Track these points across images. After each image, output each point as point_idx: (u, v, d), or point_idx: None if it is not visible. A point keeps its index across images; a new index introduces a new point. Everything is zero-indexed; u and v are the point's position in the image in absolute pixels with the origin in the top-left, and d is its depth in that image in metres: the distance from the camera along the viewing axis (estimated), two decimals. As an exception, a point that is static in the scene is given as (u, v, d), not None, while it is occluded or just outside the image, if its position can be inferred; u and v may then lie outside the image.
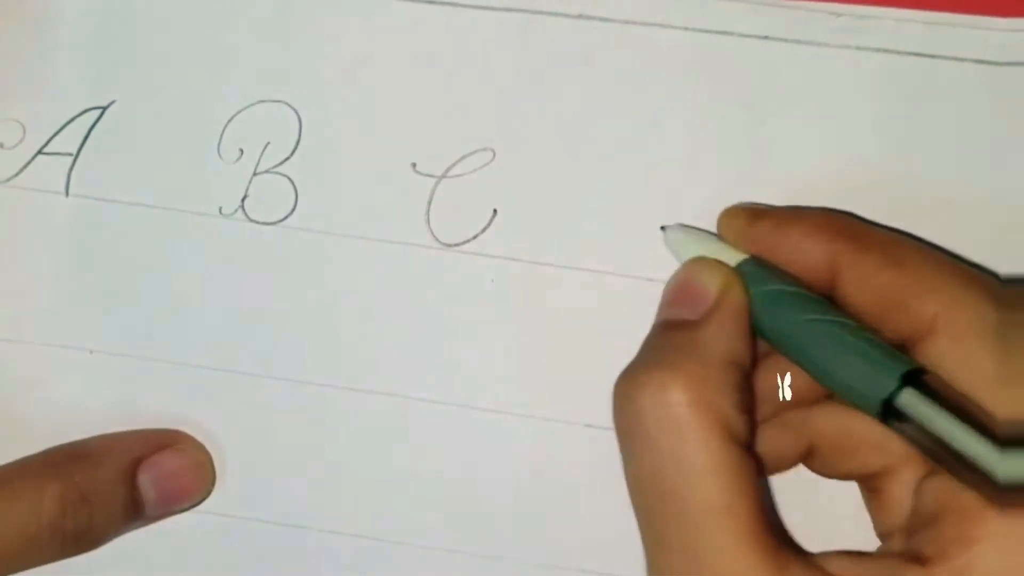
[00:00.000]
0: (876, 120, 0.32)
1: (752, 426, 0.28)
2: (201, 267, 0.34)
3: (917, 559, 0.26)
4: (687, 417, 0.26)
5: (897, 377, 0.26)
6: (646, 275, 0.33)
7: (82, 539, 0.32)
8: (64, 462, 0.32)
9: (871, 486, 0.30)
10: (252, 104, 0.34)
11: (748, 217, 0.31)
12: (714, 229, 0.32)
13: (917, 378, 0.26)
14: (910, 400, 0.26)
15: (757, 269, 0.29)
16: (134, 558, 0.34)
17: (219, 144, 0.34)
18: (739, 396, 0.27)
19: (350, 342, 0.34)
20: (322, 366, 0.34)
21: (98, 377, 0.34)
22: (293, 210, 0.34)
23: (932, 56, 0.32)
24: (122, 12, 0.34)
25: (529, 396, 0.33)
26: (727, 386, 0.27)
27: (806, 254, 0.29)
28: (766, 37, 0.32)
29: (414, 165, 0.33)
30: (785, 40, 0.32)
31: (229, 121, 0.34)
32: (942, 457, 0.26)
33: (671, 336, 0.29)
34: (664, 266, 0.32)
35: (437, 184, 0.33)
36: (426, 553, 0.34)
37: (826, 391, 0.29)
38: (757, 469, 0.27)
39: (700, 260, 0.30)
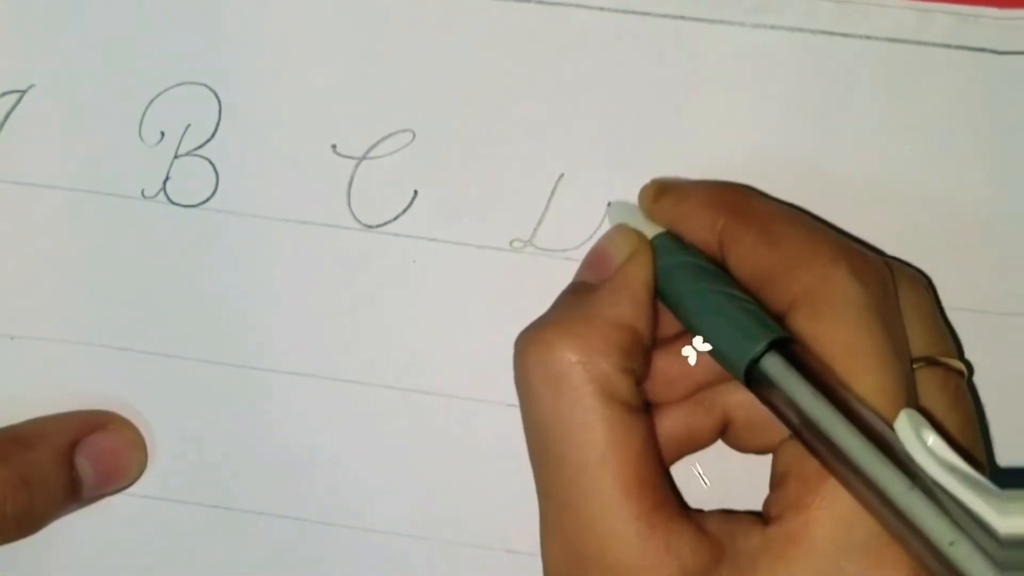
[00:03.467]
0: (791, 98, 0.32)
1: (638, 388, 0.29)
2: (123, 250, 0.34)
3: (765, 519, 0.27)
4: (566, 373, 0.28)
5: (764, 343, 0.27)
6: (565, 254, 0.33)
7: (23, 523, 0.32)
8: (1, 446, 0.32)
9: None
10: (172, 87, 0.34)
11: (654, 192, 0.31)
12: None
13: (784, 346, 0.27)
14: (773, 366, 0.27)
15: (670, 242, 0.30)
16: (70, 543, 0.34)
17: (140, 127, 0.34)
18: (623, 358, 0.28)
19: (271, 324, 0.34)
20: (245, 347, 0.34)
21: (20, 363, 0.34)
22: (214, 192, 0.34)
23: (844, 35, 0.32)
24: (40, -6, 0.34)
25: (452, 376, 0.33)
26: (611, 347, 0.28)
27: (699, 228, 0.30)
28: (681, 17, 0.32)
29: (334, 147, 0.33)
30: (700, 20, 0.32)
31: (149, 104, 0.34)
32: (796, 424, 0.26)
33: (570, 299, 0.30)
34: (580, 245, 0.33)
35: (357, 165, 0.33)
36: (356, 534, 0.34)
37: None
38: (644, 429, 0.28)
39: (618, 229, 0.31)
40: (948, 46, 0.32)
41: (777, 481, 0.28)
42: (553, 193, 0.33)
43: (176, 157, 0.34)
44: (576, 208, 0.33)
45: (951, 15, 0.32)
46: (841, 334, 0.27)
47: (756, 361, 0.27)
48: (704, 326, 0.28)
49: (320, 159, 0.33)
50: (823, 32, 0.32)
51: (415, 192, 0.33)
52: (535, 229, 0.33)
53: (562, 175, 0.33)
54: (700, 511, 0.29)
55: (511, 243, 0.33)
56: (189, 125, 0.34)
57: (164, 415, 0.34)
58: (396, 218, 0.33)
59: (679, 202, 0.30)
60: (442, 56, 0.33)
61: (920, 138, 0.32)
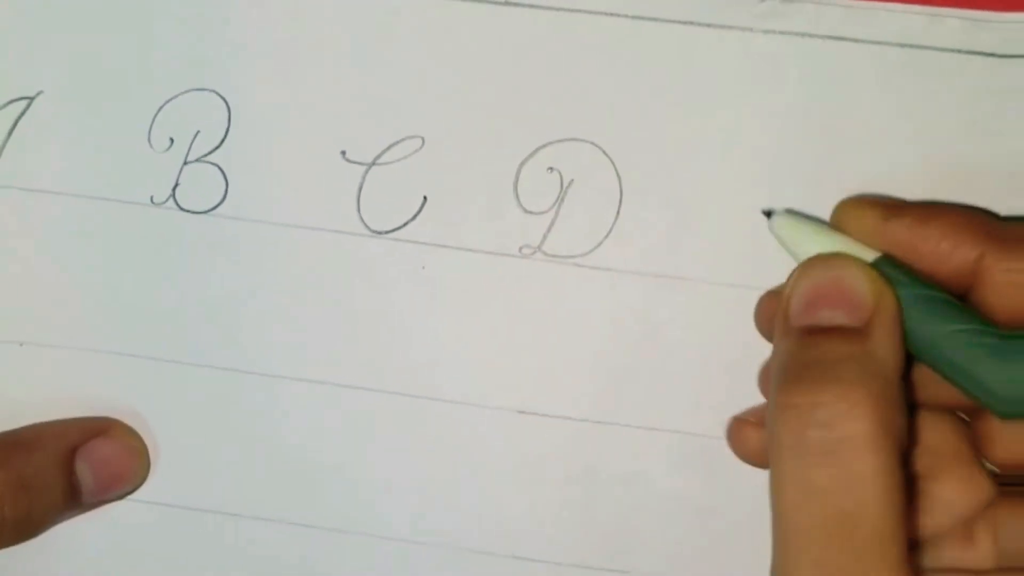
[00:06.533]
0: (799, 103, 0.32)
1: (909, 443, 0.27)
2: (132, 257, 0.34)
3: None
4: (873, 436, 0.25)
5: None
6: (575, 261, 0.33)
7: (21, 527, 0.32)
8: (1, 450, 0.32)
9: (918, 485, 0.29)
10: (181, 93, 0.34)
11: (882, 213, 0.29)
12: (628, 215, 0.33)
13: None
14: None
15: (893, 269, 0.28)
16: (75, 548, 0.34)
17: (149, 133, 0.34)
18: (906, 413, 0.26)
19: (279, 330, 0.34)
20: (253, 353, 0.34)
21: (28, 369, 0.34)
22: (224, 199, 0.34)
23: (852, 40, 0.32)
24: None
25: (462, 382, 0.33)
26: (901, 402, 0.26)
27: (946, 255, 0.28)
28: (689, 22, 0.32)
29: (343, 153, 0.34)
30: (708, 25, 0.32)
31: (159, 110, 0.34)
32: None
33: (841, 346, 0.27)
34: (589, 252, 0.33)
35: (367, 172, 0.33)
36: (362, 540, 0.34)
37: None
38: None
39: (841, 258, 0.28)
40: (957, 51, 0.32)
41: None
42: (563, 199, 0.33)
43: (185, 163, 0.34)
44: (586, 215, 0.33)
45: (960, 19, 0.32)
46: None
47: None
48: (973, 374, 0.26)
49: (329, 165, 0.33)
50: (831, 37, 0.32)
51: (424, 198, 0.33)
52: (544, 235, 0.33)
53: (572, 181, 0.33)
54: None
55: (520, 249, 0.33)
56: (198, 131, 0.34)
57: (173, 421, 0.34)
58: (405, 224, 0.33)
59: (920, 225, 0.28)
60: (451, 62, 0.33)
61: (929, 143, 0.32)
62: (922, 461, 0.29)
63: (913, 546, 0.27)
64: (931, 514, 0.29)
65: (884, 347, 0.27)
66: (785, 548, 0.26)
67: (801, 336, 0.27)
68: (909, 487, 0.26)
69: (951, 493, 0.28)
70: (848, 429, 0.25)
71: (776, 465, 0.26)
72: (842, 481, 0.25)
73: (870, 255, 0.28)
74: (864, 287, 0.27)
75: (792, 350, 0.27)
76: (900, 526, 0.25)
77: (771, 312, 0.30)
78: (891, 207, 0.29)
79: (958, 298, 0.28)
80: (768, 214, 0.30)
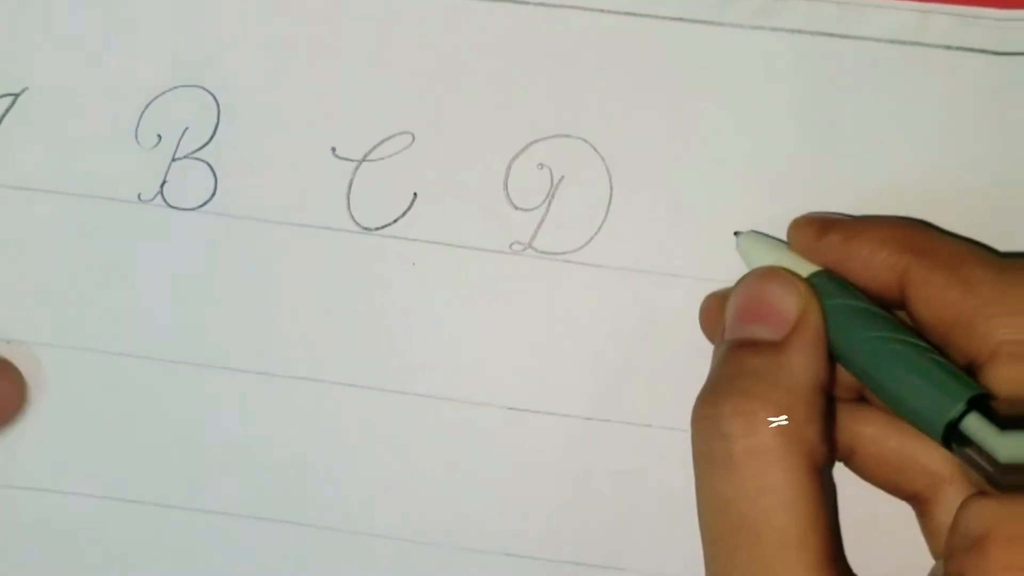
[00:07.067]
0: (791, 100, 0.32)
1: (832, 452, 0.28)
2: (120, 254, 0.34)
3: None
4: (775, 448, 0.26)
5: (963, 401, 0.25)
6: (565, 257, 0.33)
7: None
8: None
9: (918, 509, 0.30)
10: (169, 89, 0.34)
11: (818, 229, 0.30)
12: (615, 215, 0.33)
13: (983, 403, 0.25)
14: (974, 425, 0.25)
15: (827, 283, 0.28)
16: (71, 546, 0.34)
17: (136, 130, 0.34)
18: (824, 424, 0.27)
19: (270, 327, 0.34)
20: (243, 351, 0.34)
21: (19, 367, 0.34)
22: (212, 195, 0.34)
23: (844, 36, 0.32)
24: (34, -4, 0.34)
25: (452, 380, 0.33)
26: (814, 415, 0.27)
27: (875, 268, 0.28)
28: (681, 19, 0.32)
29: (333, 149, 0.33)
30: (700, 22, 0.32)
31: (146, 107, 0.34)
32: (1004, 485, 0.25)
33: (753, 359, 0.27)
34: (580, 248, 0.33)
35: (357, 168, 0.33)
36: (354, 538, 0.34)
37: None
38: (833, 497, 0.27)
39: (773, 272, 0.29)
40: (948, 47, 0.32)
41: (972, 542, 0.25)
42: (553, 196, 0.33)
43: (174, 160, 0.34)
44: (576, 211, 0.33)
45: (951, 16, 0.32)
46: None
47: (957, 421, 0.25)
48: (890, 381, 0.27)
49: (319, 161, 0.33)
50: (823, 34, 0.32)
51: (415, 194, 0.33)
52: (535, 232, 0.33)
53: (562, 177, 0.33)
54: None
55: (511, 246, 0.33)
56: (187, 128, 0.34)
57: (163, 420, 0.34)
58: (396, 221, 0.33)
59: (851, 239, 0.29)
60: (442, 58, 0.33)
61: (921, 140, 0.32)
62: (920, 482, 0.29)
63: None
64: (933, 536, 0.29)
65: (799, 360, 0.27)
66: (705, 557, 0.27)
67: (728, 349, 0.28)
68: (831, 495, 0.27)
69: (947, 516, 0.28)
70: (748, 441, 0.26)
71: (695, 476, 0.27)
72: (745, 491, 0.26)
73: (807, 269, 0.29)
74: (787, 300, 0.28)
75: (716, 363, 0.28)
76: (814, 533, 0.25)
77: (712, 315, 0.31)
78: (826, 223, 0.30)
79: (895, 309, 0.28)
80: (737, 234, 0.31)
